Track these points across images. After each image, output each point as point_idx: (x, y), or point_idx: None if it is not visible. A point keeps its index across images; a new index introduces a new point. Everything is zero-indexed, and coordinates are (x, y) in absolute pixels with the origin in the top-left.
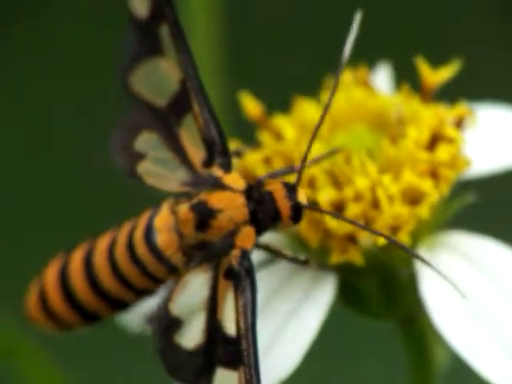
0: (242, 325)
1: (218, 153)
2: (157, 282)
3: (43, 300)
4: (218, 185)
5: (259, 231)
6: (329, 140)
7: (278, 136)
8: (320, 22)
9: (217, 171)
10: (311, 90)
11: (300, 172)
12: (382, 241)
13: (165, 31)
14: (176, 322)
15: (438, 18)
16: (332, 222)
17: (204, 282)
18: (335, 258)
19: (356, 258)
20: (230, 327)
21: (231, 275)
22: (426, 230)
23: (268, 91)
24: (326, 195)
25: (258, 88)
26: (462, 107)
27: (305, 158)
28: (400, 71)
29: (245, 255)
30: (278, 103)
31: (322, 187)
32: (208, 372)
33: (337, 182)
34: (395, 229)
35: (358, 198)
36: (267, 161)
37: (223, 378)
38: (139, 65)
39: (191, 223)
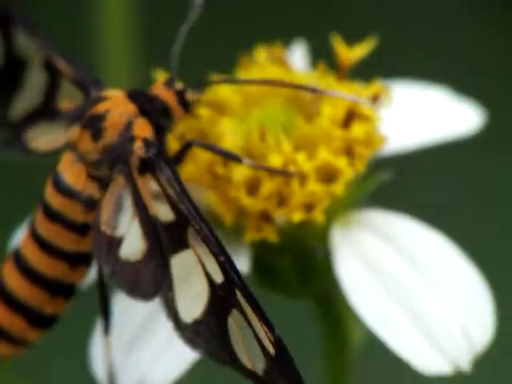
0: (172, 194)
1: (93, 87)
2: (81, 232)
3: None
4: (98, 99)
5: (156, 125)
6: (244, 117)
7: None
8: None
9: (95, 94)
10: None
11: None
12: (296, 218)
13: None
14: (114, 239)
15: None
16: (246, 200)
17: (124, 192)
18: (250, 236)
19: (271, 235)
20: (165, 214)
21: (145, 167)
22: (341, 208)
23: (184, 71)
24: (240, 172)
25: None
26: (377, 85)
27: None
28: (316, 51)
29: (148, 143)
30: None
31: (237, 165)
32: (165, 270)
33: (252, 159)
34: (309, 206)
35: (272, 175)
36: (181, 138)
37: (180, 264)
38: (8, 103)
39: (86, 137)
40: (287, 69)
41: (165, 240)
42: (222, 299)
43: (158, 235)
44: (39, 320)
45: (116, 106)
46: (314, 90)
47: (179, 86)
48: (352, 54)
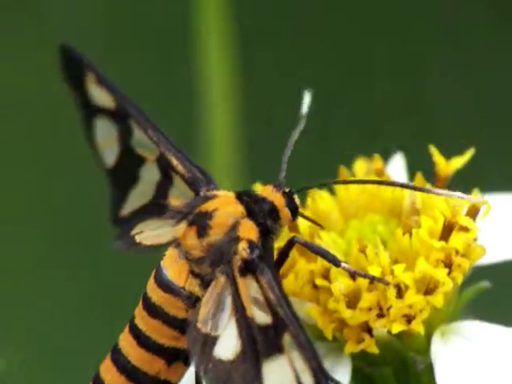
0: (272, 297)
1: (203, 185)
2: (181, 330)
3: None
4: (208, 197)
5: (261, 228)
6: (343, 230)
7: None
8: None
9: (205, 192)
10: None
11: (282, 176)
12: (396, 329)
13: (134, 134)
14: (209, 338)
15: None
16: (346, 312)
17: (224, 292)
18: (350, 348)
19: (371, 347)
20: (262, 317)
21: (247, 268)
22: (441, 318)
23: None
24: (340, 285)
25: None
26: (475, 195)
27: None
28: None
29: (252, 245)
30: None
31: (337, 277)
32: (255, 373)
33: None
34: (409, 317)
35: (371, 287)
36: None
37: (271, 369)
38: (125, 202)
39: (192, 233)
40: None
41: (259, 343)
42: None
43: (253, 337)
44: None
45: (224, 205)
46: (422, 190)
47: (290, 189)
48: (450, 165)
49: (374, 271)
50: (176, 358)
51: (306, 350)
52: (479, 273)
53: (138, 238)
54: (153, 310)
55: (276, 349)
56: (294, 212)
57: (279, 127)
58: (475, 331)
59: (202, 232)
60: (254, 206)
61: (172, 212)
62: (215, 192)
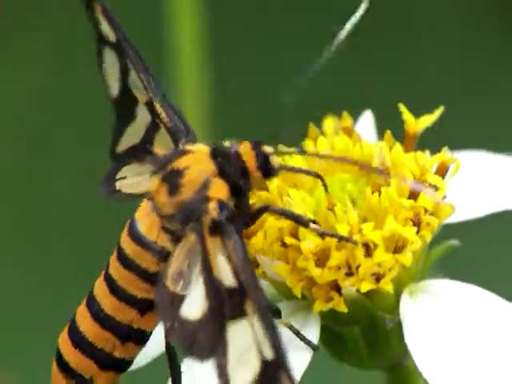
0: (236, 261)
1: (183, 136)
2: (152, 281)
3: (60, 362)
4: (182, 152)
5: (231, 188)
6: (312, 188)
7: None
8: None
9: (181, 146)
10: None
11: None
12: (365, 288)
13: (131, 73)
14: (177, 296)
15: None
16: (315, 271)
17: (193, 250)
18: (319, 306)
19: (340, 305)
20: (228, 280)
21: (216, 228)
22: (410, 276)
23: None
24: (309, 243)
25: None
26: (444, 154)
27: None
28: (382, 120)
29: (222, 205)
30: None
31: (305, 236)
32: (221, 334)
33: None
34: (379, 276)
35: (340, 245)
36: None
37: (236, 333)
38: (122, 135)
39: (164, 190)
40: (355, 139)
41: (225, 305)
42: (270, 376)
43: (220, 298)
44: (109, 363)
45: (196, 162)
46: (379, 172)
47: (268, 149)
48: (419, 124)
49: (343, 229)
50: (149, 308)
51: (265, 317)
52: (448, 231)
53: (118, 185)
54: (126, 261)
55: (241, 313)
56: (267, 174)
57: (247, 90)
58: (444, 289)
59: (173, 190)
60: (226, 165)
61: (150, 161)
62: (191, 146)
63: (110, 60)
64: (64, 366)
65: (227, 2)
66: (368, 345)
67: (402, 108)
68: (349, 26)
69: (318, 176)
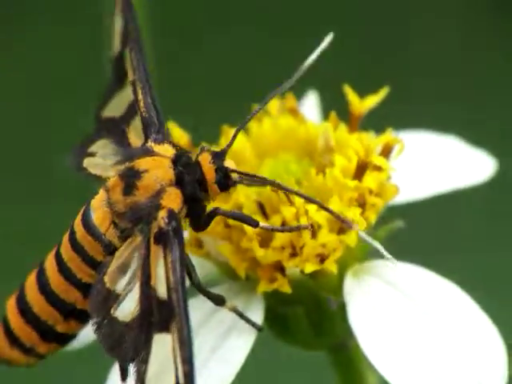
0: (171, 279)
1: (154, 132)
2: (96, 269)
3: (5, 327)
4: (147, 152)
5: (186, 196)
6: (257, 167)
7: None
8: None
9: (149, 144)
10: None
11: (228, 146)
12: (309, 268)
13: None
14: (112, 294)
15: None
16: (259, 251)
17: (137, 252)
18: (263, 287)
19: (284, 286)
20: (162, 291)
21: (160, 237)
22: (354, 257)
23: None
24: None
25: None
26: (388, 135)
27: (234, 136)
28: (328, 100)
29: (172, 215)
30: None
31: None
32: (146, 342)
33: (264, 211)
34: (322, 257)
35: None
36: None
37: (160, 344)
38: (111, 99)
39: (119, 188)
40: (299, 119)
41: (155, 315)
42: None
43: (151, 307)
44: (50, 335)
45: (155, 167)
46: (307, 199)
47: (229, 163)
48: (364, 104)
49: (288, 212)
50: None
51: (184, 347)
52: (393, 212)
53: (85, 163)
54: (75, 244)
55: (165, 328)
56: (224, 188)
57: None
58: (387, 270)
59: (127, 190)
60: (184, 175)
61: (116, 150)
62: (155, 147)
63: (118, 19)
64: (8, 332)
65: None
66: (312, 325)
67: (347, 89)
68: (314, 56)
69: (275, 185)
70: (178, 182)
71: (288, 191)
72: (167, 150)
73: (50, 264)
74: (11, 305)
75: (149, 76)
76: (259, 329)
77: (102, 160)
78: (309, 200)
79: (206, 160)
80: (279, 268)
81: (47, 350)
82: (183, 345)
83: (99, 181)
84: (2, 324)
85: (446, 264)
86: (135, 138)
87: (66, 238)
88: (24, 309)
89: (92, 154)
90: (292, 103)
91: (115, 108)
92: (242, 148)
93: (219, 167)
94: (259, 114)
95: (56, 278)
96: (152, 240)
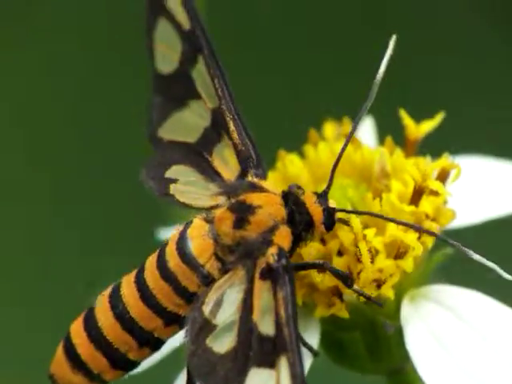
0: (283, 315)
1: (252, 166)
2: (188, 300)
3: (70, 352)
4: (255, 187)
5: (295, 235)
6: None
7: None
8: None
9: (252, 179)
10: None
11: (329, 186)
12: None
13: (198, 68)
14: (209, 324)
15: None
16: (317, 277)
17: (238, 286)
18: (320, 312)
19: (341, 311)
20: (266, 327)
21: (269, 273)
22: (411, 282)
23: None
24: (311, 249)
25: None
26: (445, 159)
27: (332, 174)
28: (384, 125)
29: (282, 253)
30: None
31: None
32: (239, 375)
33: (322, 237)
34: (380, 282)
35: (341, 251)
36: None
37: (256, 379)
38: (165, 119)
39: (229, 221)
40: (356, 144)
41: (254, 349)
42: None
43: (250, 342)
44: (121, 363)
45: (268, 204)
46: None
47: (332, 204)
48: (420, 129)
49: (345, 235)
50: (175, 321)
51: (296, 382)
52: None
53: (172, 189)
54: (166, 273)
55: (268, 363)
56: (330, 228)
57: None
58: (445, 295)
59: (239, 224)
60: (295, 215)
61: (216, 180)
62: (262, 183)
63: (167, 34)
64: (74, 357)
65: None
66: (369, 350)
67: (403, 113)
68: (383, 67)
69: (378, 217)
70: (289, 221)
71: (390, 221)
72: (273, 186)
73: (129, 290)
74: (78, 330)
75: (237, 106)
76: (315, 353)
77: (190, 188)
78: (412, 227)
79: (311, 200)
80: (336, 293)
81: (113, 376)
82: (295, 379)
83: (186, 208)
84: (65, 347)
85: (502, 289)
86: (223, 168)
87: (151, 264)
88: (95, 335)
89: (173, 180)
90: (348, 128)
91: (179, 131)
92: (298, 173)
93: (326, 207)
94: (315, 139)
95: (137, 304)
96: (257, 276)
